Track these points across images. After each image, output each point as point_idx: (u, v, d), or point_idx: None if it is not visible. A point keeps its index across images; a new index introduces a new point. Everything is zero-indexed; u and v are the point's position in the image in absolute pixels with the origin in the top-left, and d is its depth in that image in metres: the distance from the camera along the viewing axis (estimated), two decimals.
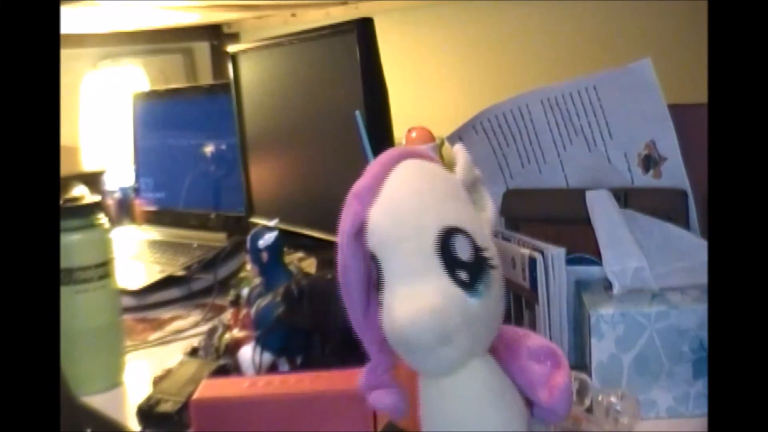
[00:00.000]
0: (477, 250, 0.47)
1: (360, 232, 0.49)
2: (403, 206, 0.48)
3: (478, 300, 0.46)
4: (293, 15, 1.72)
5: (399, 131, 1.00)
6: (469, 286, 0.46)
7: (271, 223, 0.96)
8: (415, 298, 0.45)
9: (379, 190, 0.49)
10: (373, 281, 0.49)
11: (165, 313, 1.22)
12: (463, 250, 0.47)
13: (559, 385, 0.49)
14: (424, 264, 0.46)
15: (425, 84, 1.61)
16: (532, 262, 0.81)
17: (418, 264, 0.46)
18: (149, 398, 0.81)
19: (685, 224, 0.86)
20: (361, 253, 0.49)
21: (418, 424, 0.51)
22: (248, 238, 0.94)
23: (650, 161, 0.89)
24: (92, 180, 1.69)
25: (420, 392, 0.50)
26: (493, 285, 0.47)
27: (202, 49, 2.05)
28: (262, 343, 0.82)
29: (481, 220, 0.50)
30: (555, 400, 0.49)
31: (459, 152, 0.52)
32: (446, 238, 0.46)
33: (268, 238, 0.92)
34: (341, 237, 0.50)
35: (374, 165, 0.50)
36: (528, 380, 0.50)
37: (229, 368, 0.86)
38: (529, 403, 0.50)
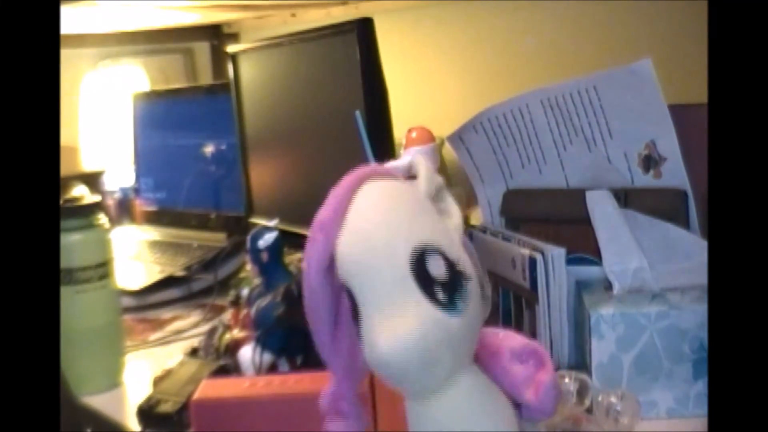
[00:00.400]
0: (451, 265, 0.46)
1: (328, 264, 0.48)
2: (372, 232, 0.47)
3: (458, 317, 0.46)
4: (293, 15, 1.72)
5: (399, 131, 1.00)
6: (447, 305, 0.45)
7: (271, 223, 0.96)
8: (395, 326, 0.44)
9: (344, 218, 0.48)
10: (347, 310, 0.48)
11: (165, 313, 1.22)
12: (437, 269, 0.46)
13: (544, 383, 0.49)
14: (400, 289, 0.45)
15: (425, 84, 1.61)
16: (532, 262, 0.81)
17: (394, 290, 0.45)
18: (149, 398, 0.81)
19: (685, 224, 0.86)
20: (329, 284, 0.49)
21: None
22: (248, 238, 0.94)
23: (650, 161, 0.89)
24: (92, 180, 1.69)
25: (407, 413, 0.50)
26: (470, 298, 0.47)
27: (202, 49, 2.05)
28: (262, 343, 0.82)
29: (450, 230, 0.49)
30: (541, 399, 0.49)
31: (419, 164, 0.51)
32: (419, 259, 0.45)
33: (268, 238, 0.92)
34: (308, 269, 0.48)
35: (335, 192, 0.49)
36: (512, 382, 0.50)
37: (229, 368, 0.86)
38: (517, 405, 0.50)
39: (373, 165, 0.51)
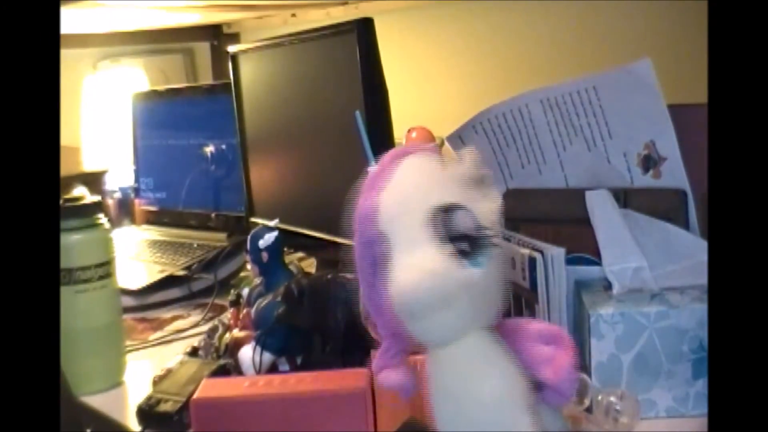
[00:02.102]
0: (479, 227, 0.50)
1: (373, 219, 0.52)
2: (408, 187, 0.51)
3: (478, 269, 0.49)
4: (293, 15, 1.72)
5: (399, 131, 1.00)
6: (469, 255, 0.49)
7: (271, 223, 0.96)
8: (417, 264, 0.48)
9: (389, 179, 0.52)
10: (384, 261, 0.51)
11: (165, 313, 1.22)
12: (464, 224, 0.49)
13: (564, 364, 0.50)
14: (427, 234, 0.49)
15: (425, 84, 1.61)
16: (532, 262, 0.81)
17: (421, 235, 0.49)
18: (149, 398, 0.81)
19: (685, 224, 0.86)
20: (374, 239, 0.52)
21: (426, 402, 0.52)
22: (248, 238, 0.94)
23: (650, 161, 0.89)
24: (92, 180, 1.69)
25: (427, 368, 0.52)
26: (494, 260, 0.50)
27: (202, 49, 2.05)
28: (262, 343, 0.82)
29: (485, 207, 0.52)
30: (560, 379, 0.50)
31: (468, 153, 0.55)
32: (448, 211, 0.49)
33: (268, 238, 0.92)
34: (356, 225, 0.53)
35: (385, 157, 0.54)
36: (533, 360, 0.51)
37: (229, 368, 0.86)
38: (538, 388, 0.51)
39: (421, 144, 0.57)
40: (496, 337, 0.51)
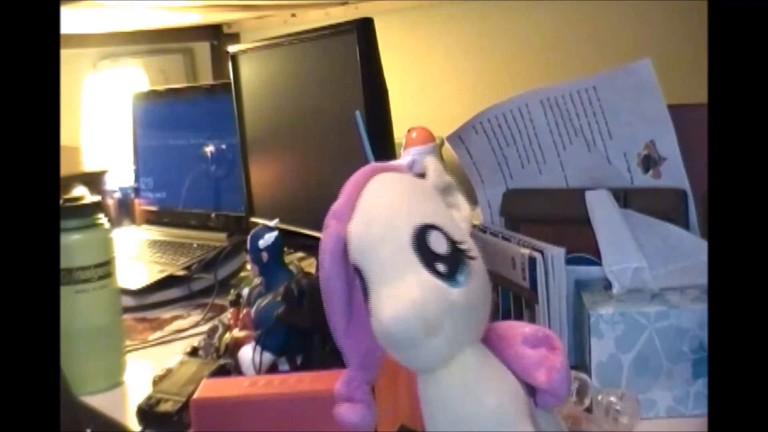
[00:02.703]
0: (453, 243, 0.49)
1: (341, 250, 0.51)
2: (377, 212, 0.50)
3: (458, 289, 0.47)
4: (293, 15, 1.72)
5: (399, 131, 1.00)
6: (448, 277, 0.47)
7: (271, 223, 0.96)
8: (397, 295, 0.47)
9: (355, 207, 0.51)
10: (359, 296, 0.50)
11: (165, 313, 1.22)
12: (438, 244, 0.48)
13: (556, 366, 0.50)
14: (401, 262, 0.48)
15: (425, 84, 1.61)
16: (532, 262, 0.81)
17: (396, 263, 0.48)
18: (149, 398, 0.81)
19: (685, 224, 0.86)
20: (344, 271, 0.51)
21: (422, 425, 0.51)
22: (248, 238, 0.94)
23: (650, 161, 0.89)
24: (92, 180, 1.69)
25: (419, 393, 0.51)
26: (473, 275, 0.48)
27: (202, 49, 2.05)
28: (262, 343, 0.82)
29: (457, 219, 0.52)
30: (553, 381, 0.50)
31: (429, 162, 0.54)
32: (421, 235, 0.48)
33: (268, 238, 0.92)
34: (323, 256, 0.51)
35: (348, 185, 0.52)
36: (524, 365, 0.51)
37: (229, 368, 0.86)
38: (531, 392, 0.51)
39: (381, 163, 0.55)
40: (484, 350, 0.50)
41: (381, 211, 0.50)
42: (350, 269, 0.51)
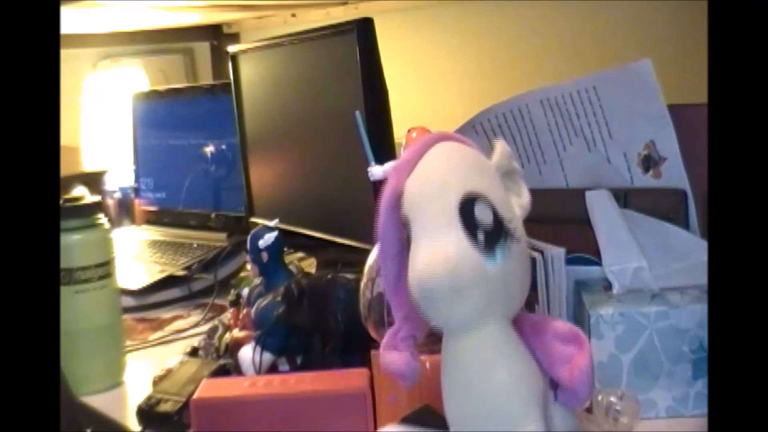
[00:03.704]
0: (499, 219, 0.50)
1: (397, 202, 0.53)
2: (433, 172, 0.52)
3: (494, 263, 0.49)
4: (293, 15, 1.72)
5: (399, 131, 0.99)
6: (486, 248, 0.49)
7: (271, 223, 0.96)
8: (435, 251, 0.49)
9: (415, 166, 0.53)
10: (405, 243, 0.52)
11: (165, 313, 1.22)
12: (483, 215, 0.50)
13: (581, 367, 0.50)
14: (445, 222, 0.49)
15: (425, 84, 1.61)
16: (532, 262, 0.81)
17: (441, 222, 0.49)
18: (149, 398, 0.81)
19: (685, 224, 0.86)
20: (397, 224, 0.53)
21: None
22: (248, 238, 0.94)
23: (650, 161, 0.89)
24: (92, 180, 1.69)
25: (442, 355, 0.52)
26: (512, 255, 0.50)
27: (202, 49, 2.05)
28: (262, 343, 0.82)
29: (511, 200, 0.53)
30: (576, 381, 0.50)
31: (498, 144, 0.56)
32: (469, 202, 0.50)
33: (268, 238, 0.92)
34: (380, 206, 0.53)
35: (414, 143, 0.55)
36: (550, 358, 0.51)
37: (229, 368, 0.86)
38: (553, 386, 0.52)
39: (452, 133, 0.57)
40: (513, 330, 0.51)
41: (437, 173, 0.52)
42: (402, 221, 0.52)
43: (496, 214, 0.50)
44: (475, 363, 0.50)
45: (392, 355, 0.55)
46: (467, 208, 0.49)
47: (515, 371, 0.50)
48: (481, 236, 0.49)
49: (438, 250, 0.48)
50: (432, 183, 0.51)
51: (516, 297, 0.51)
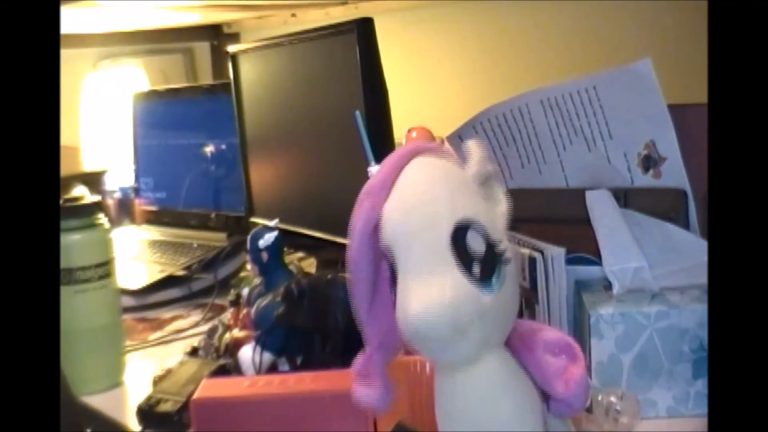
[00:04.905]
0: (490, 244, 0.47)
1: (372, 229, 0.49)
2: (416, 201, 0.48)
3: (491, 294, 0.46)
4: (293, 15, 1.72)
5: (399, 131, 1.00)
6: (482, 281, 0.46)
7: (271, 223, 0.96)
8: (428, 292, 0.46)
9: (391, 188, 0.49)
10: (385, 276, 0.50)
11: (165, 313, 1.22)
12: (476, 245, 0.47)
13: (575, 378, 0.49)
14: (437, 259, 0.46)
15: (425, 84, 1.61)
16: (532, 262, 0.81)
17: (432, 259, 0.46)
18: (149, 398, 0.81)
19: (685, 224, 0.86)
20: (372, 251, 0.50)
21: (434, 423, 0.51)
22: (248, 238, 0.94)
23: (650, 161, 0.89)
24: (92, 180, 1.69)
25: (435, 388, 0.51)
26: (506, 279, 0.48)
27: (202, 49, 2.05)
28: (262, 343, 0.82)
29: (495, 214, 0.50)
30: (571, 393, 0.49)
31: (473, 147, 0.52)
32: (459, 233, 0.47)
33: (268, 238, 0.92)
34: (353, 234, 0.50)
35: (386, 163, 0.51)
36: (544, 373, 0.50)
37: (229, 368, 0.86)
38: (545, 398, 0.51)
39: (422, 143, 0.53)
40: (507, 355, 0.50)
41: (421, 201, 0.48)
42: (377, 250, 0.50)
43: (487, 240, 0.47)
44: (477, 396, 0.48)
45: (363, 389, 0.52)
46: (459, 238, 0.46)
47: (519, 399, 0.49)
48: (476, 269, 0.46)
49: (433, 294, 0.45)
50: (417, 212, 0.47)
51: (510, 319, 0.50)
